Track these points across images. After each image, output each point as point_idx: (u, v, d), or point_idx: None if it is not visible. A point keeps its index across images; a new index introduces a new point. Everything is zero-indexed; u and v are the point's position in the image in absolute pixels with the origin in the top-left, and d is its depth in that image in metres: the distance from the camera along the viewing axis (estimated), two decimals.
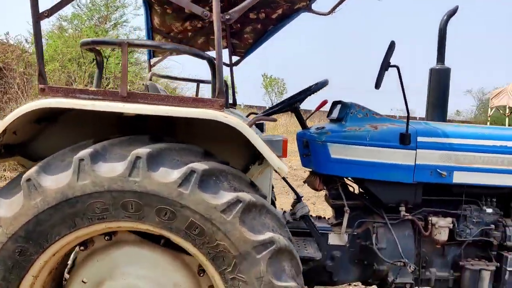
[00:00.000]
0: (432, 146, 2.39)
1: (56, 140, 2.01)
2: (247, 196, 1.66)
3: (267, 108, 2.96)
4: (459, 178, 2.42)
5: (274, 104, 2.94)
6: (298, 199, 2.66)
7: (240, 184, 1.76)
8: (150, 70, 3.89)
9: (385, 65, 2.20)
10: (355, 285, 3.82)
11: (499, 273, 2.53)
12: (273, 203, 3.27)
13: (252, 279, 1.66)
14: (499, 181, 2.46)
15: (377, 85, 2.27)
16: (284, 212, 2.78)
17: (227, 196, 1.64)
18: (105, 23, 14.34)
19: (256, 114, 3.14)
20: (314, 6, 3.32)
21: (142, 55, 13.21)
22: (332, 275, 2.52)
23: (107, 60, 10.94)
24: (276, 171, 1.99)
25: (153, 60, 3.87)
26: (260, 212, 1.72)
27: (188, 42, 3.69)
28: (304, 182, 2.76)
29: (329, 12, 3.27)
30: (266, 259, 1.65)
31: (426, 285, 2.60)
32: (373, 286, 2.74)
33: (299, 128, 2.86)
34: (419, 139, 2.38)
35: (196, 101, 1.77)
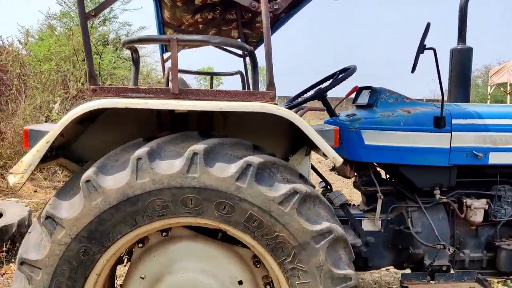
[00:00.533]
0: (467, 128, 2.40)
1: (95, 140, 2.00)
2: (302, 187, 1.67)
3: (292, 97, 2.94)
4: (495, 159, 2.44)
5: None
6: (330, 188, 2.67)
7: (292, 176, 1.77)
8: (163, 65, 3.86)
9: (421, 47, 2.20)
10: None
11: None
12: None
13: (312, 268, 1.68)
14: None
15: (413, 68, 2.27)
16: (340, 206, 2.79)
17: (283, 188, 1.65)
18: (94, 20, 14.15)
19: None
20: None
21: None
22: (367, 261, 2.54)
23: (100, 57, 10.82)
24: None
25: (166, 55, 3.84)
26: (314, 202, 1.74)
27: (199, 34, 3.65)
28: (331, 170, 2.77)
29: None
30: (325, 248, 1.67)
31: (461, 266, 2.63)
32: (405, 269, 2.78)
33: (319, 116, 2.86)
34: (454, 121, 2.39)
35: (248, 94, 1.77)
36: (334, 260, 1.71)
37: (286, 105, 2.80)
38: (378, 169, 2.73)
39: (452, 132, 2.39)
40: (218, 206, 1.62)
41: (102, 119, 2.01)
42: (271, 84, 1.77)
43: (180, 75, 3.57)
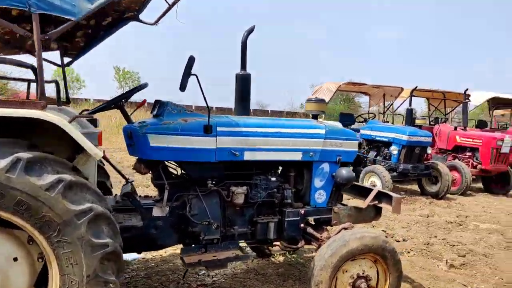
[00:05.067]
0: (228, 133, 3.18)
1: None
2: (68, 176, 2.14)
3: (96, 107, 3.36)
4: (248, 156, 3.27)
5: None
6: (127, 181, 3.18)
7: (63, 169, 2.21)
8: None
9: (187, 73, 2.87)
10: None
11: (280, 223, 3.52)
12: (108, 189, 3.74)
13: (75, 239, 2.14)
14: (277, 157, 3.42)
15: (182, 88, 2.91)
16: (116, 195, 3.29)
17: (50, 178, 2.08)
18: None
19: (88, 110, 3.52)
20: (142, 16, 3.83)
21: None
22: (157, 241, 3.13)
23: None
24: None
25: None
26: (80, 189, 2.21)
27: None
28: (133, 168, 3.29)
29: (155, 23, 3.82)
30: (86, 223, 2.16)
31: (232, 239, 3.40)
32: None
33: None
34: (219, 129, 3.14)
35: (22, 103, 2.14)
36: (95, 232, 2.20)
37: (89, 112, 3.21)
38: (172, 165, 3.35)
39: (217, 137, 3.14)
40: None
41: None
42: (42, 94, 2.19)
43: None
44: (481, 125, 13.53)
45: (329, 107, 30.26)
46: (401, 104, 11.78)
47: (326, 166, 3.63)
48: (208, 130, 3.09)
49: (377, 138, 9.24)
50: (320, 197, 3.64)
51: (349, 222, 3.65)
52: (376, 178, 8.10)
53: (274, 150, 3.38)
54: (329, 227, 3.74)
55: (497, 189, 10.32)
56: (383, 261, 3.18)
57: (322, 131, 3.55)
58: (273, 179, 3.54)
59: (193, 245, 3.29)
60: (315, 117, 3.96)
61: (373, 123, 9.74)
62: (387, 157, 8.95)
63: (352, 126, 10.42)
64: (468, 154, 10.30)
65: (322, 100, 4.02)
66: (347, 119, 10.71)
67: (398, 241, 5.60)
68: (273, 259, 4.54)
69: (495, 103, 13.66)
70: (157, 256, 4.55)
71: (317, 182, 3.61)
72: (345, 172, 3.54)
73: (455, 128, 10.66)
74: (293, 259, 4.59)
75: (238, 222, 3.43)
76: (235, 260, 3.18)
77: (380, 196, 3.81)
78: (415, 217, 7.10)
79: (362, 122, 10.65)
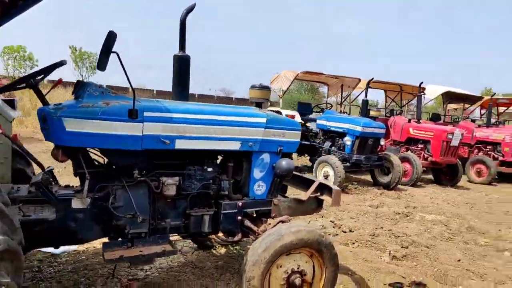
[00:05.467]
0: (157, 119, 2.91)
1: None
2: None
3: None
4: (180, 145, 3.03)
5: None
6: (42, 169, 2.87)
7: None
8: None
9: (106, 51, 2.56)
10: None
11: (216, 215, 3.33)
12: (29, 177, 3.40)
13: None
14: (213, 146, 3.20)
15: (101, 67, 2.61)
16: (30, 184, 2.97)
17: None
18: None
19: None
20: None
21: None
22: (76, 234, 2.85)
23: None
24: None
25: None
26: None
27: None
28: (52, 155, 2.96)
29: None
30: None
31: (163, 233, 3.18)
32: None
33: None
34: (146, 114, 2.87)
35: None
36: None
37: None
38: (97, 153, 3.05)
39: (144, 123, 2.87)
40: None
41: None
42: None
43: None
44: (434, 118, 13.96)
45: (293, 96, 30.21)
46: (359, 94, 11.87)
47: (266, 157, 3.46)
48: (132, 114, 2.81)
49: (332, 129, 9.26)
50: (259, 188, 3.48)
51: (288, 214, 3.53)
52: (329, 168, 8.10)
53: (209, 139, 3.16)
54: (270, 220, 3.60)
55: (446, 180, 10.69)
56: (319, 256, 3.07)
57: (263, 120, 3.37)
58: (209, 169, 3.33)
59: (119, 239, 3.03)
60: (259, 105, 3.77)
61: (329, 113, 9.74)
62: (341, 148, 8.99)
63: (310, 116, 10.38)
64: (420, 146, 10.56)
65: (266, 87, 3.83)
66: (304, 108, 10.66)
67: (345, 232, 5.60)
68: (214, 251, 4.36)
69: (448, 97, 14.11)
70: (90, 248, 4.25)
71: (257, 173, 3.45)
72: (285, 163, 3.39)
73: (409, 121, 10.89)
74: (235, 251, 4.43)
75: (169, 215, 3.20)
76: (162, 255, 2.95)
77: (322, 188, 3.71)
78: (364, 208, 7.16)
79: (319, 112, 10.64)
